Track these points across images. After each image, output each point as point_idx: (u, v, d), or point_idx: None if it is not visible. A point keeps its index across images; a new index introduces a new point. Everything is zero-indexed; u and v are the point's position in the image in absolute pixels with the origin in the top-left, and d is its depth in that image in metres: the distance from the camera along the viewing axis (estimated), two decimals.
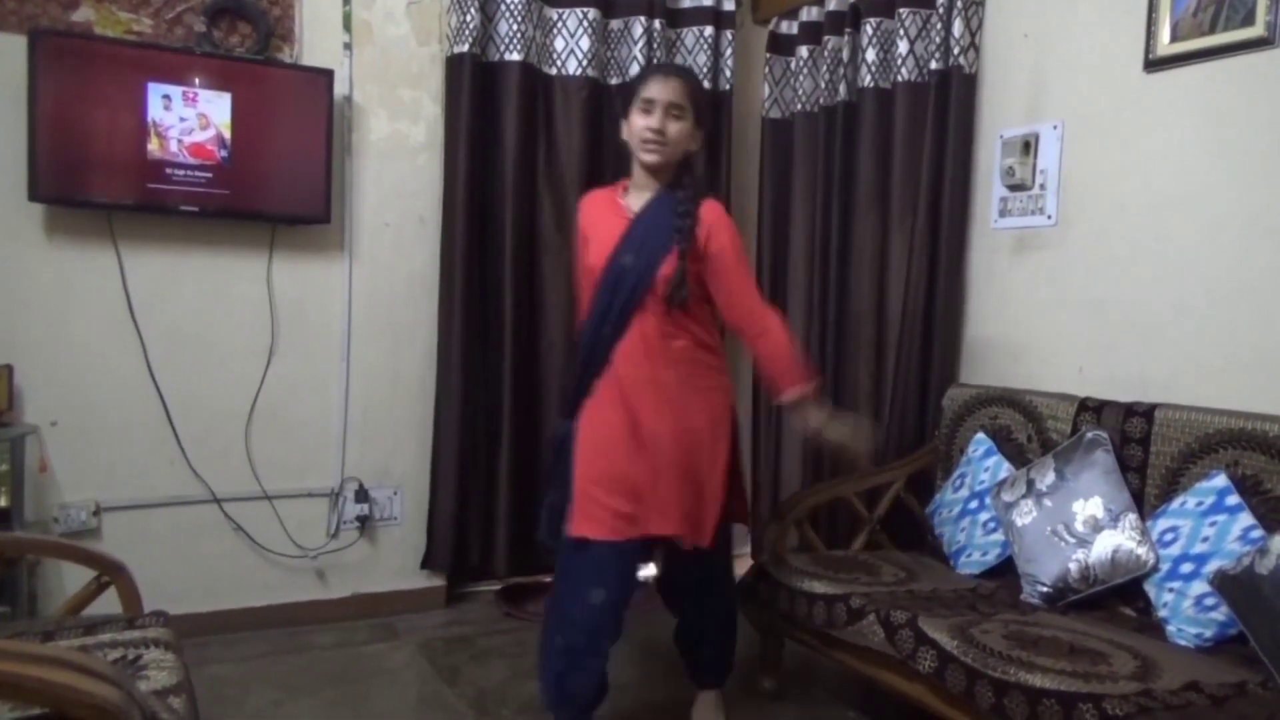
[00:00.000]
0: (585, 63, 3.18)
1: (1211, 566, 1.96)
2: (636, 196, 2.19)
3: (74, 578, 2.52)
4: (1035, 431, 2.56)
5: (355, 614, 3.12)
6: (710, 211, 2.15)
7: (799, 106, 3.41)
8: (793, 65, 3.45)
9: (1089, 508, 2.23)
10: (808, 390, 2.16)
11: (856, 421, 2.23)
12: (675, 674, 2.78)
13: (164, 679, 1.51)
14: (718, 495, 2.19)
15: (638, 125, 2.13)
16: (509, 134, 3.12)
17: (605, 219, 2.20)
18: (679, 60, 3.42)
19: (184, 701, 1.46)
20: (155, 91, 2.69)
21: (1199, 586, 1.99)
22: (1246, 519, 1.99)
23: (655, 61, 3.21)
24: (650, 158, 2.13)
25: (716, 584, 2.38)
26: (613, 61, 3.30)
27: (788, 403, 2.20)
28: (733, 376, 3.61)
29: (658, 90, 2.12)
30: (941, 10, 2.90)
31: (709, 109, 2.34)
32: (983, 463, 2.60)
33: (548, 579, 3.47)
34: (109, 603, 1.89)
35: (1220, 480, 2.07)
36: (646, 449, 2.11)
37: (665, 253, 2.09)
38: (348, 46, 3.05)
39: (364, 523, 3.14)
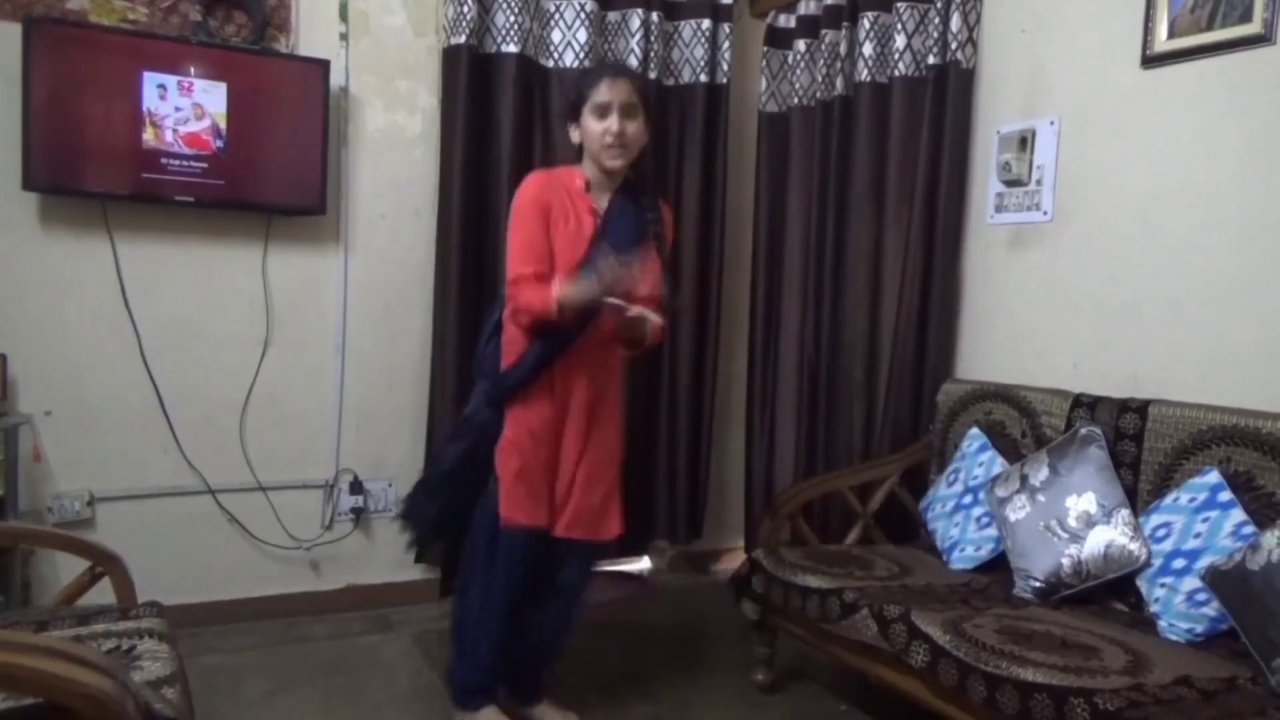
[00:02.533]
0: (582, 55, 3.17)
1: (1203, 562, 1.97)
2: (599, 195, 2.20)
3: (68, 568, 2.52)
4: (1029, 427, 2.56)
5: (349, 605, 3.13)
6: (667, 213, 2.26)
7: (796, 100, 3.40)
8: (790, 59, 3.44)
9: (1082, 503, 2.23)
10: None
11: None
12: (672, 666, 2.79)
13: (158, 669, 1.51)
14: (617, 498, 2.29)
15: (596, 130, 2.12)
16: (505, 126, 3.11)
17: (574, 211, 2.17)
18: (676, 54, 3.42)
19: (178, 692, 1.46)
20: (150, 81, 2.68)
21: (1191, 582, 2.00)
22: (1239, 515, 2.00)
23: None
24: (615, 162, 2.14)
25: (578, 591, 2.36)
26: (610, 54, 3.29)
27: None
28: (728, 375, 3.65)
29: (611, 92, 2.11)
30: (939, 5, 2.90)
31: (651, 102, 2.33)
32: (977, 458, 2.61)
33: None
34: (103, 593, 1.89)
35: (1213, 476, 2.08)
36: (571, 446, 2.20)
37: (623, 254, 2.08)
38: (344, 37, 3.04)
39: (358, 514, 3.14)
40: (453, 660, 2.33)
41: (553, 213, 2.14)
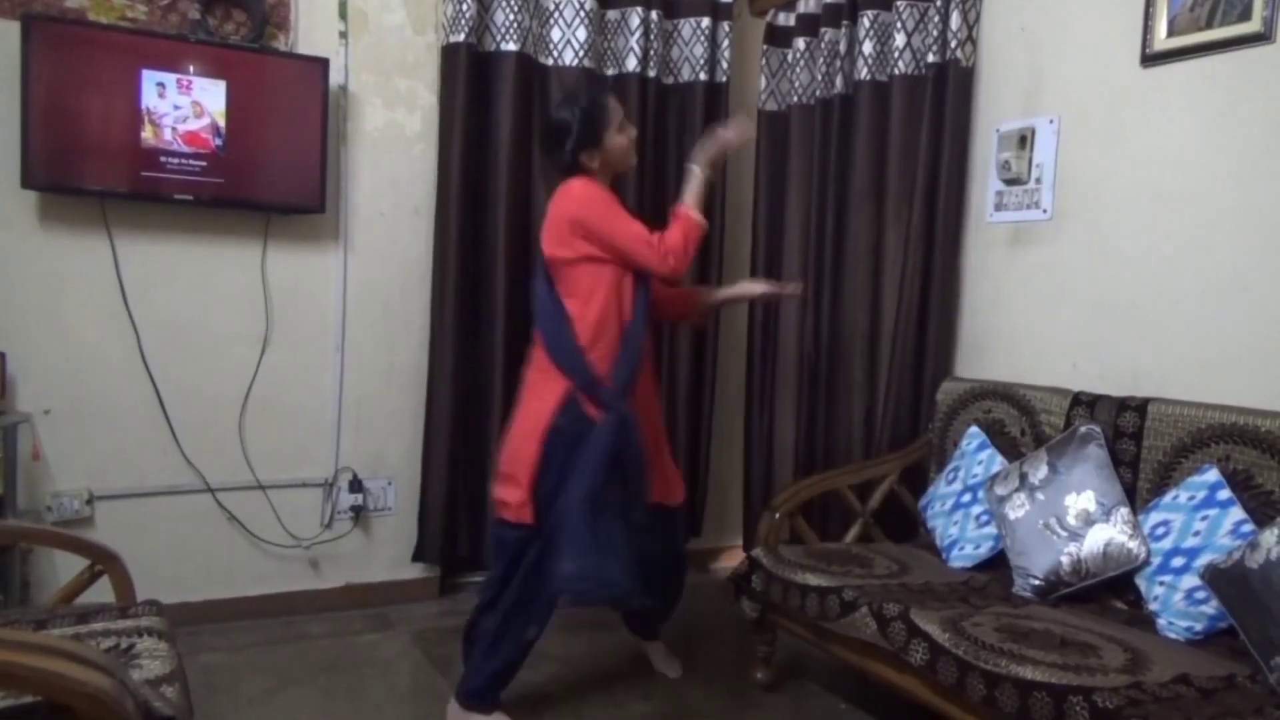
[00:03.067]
0: (582, 53, 3.17)
1: (1202, 560, 1.97)
2: None
3: (67, 566, 2.52)
4: (1029, 425, 2.56)
5: (349, 604, 3.13)
6: None
7: (795, 99, 3.40)
8: (789, 57, 3.44)
9: (1081, 501, 2.23)
10: None
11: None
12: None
13: (157, 668, 1.51)
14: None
15: (624, 143, 2.36)
16: (504, 124, 3.11)
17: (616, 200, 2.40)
18: (675, 53, 3.42)
19: (177, 690, 1.46)
20: (149, 79, 2.68)
21: (1190, 580, 2.00)
22: (1238, 513, 2.00)
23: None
24: (634, 160, 2.47)
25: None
26: (609, 52, 3.29)
27: None
28: (727, 374, 3.65)
29: (620, 109, 2.38)
30: (939, 3, 2.90)
31: None
32: (976, 456, 2.61)
33: None
34: (102, 591, 1.89)
35: (1212, 475, 2.08)
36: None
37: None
38: (343, 35, 3.03)
39: (358, 513, 3.14)
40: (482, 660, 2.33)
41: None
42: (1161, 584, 2.07)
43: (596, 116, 2.30)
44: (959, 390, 2.82)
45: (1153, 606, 2.07)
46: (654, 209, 3.41)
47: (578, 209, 2.27)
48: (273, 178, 2.88)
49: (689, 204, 2.36)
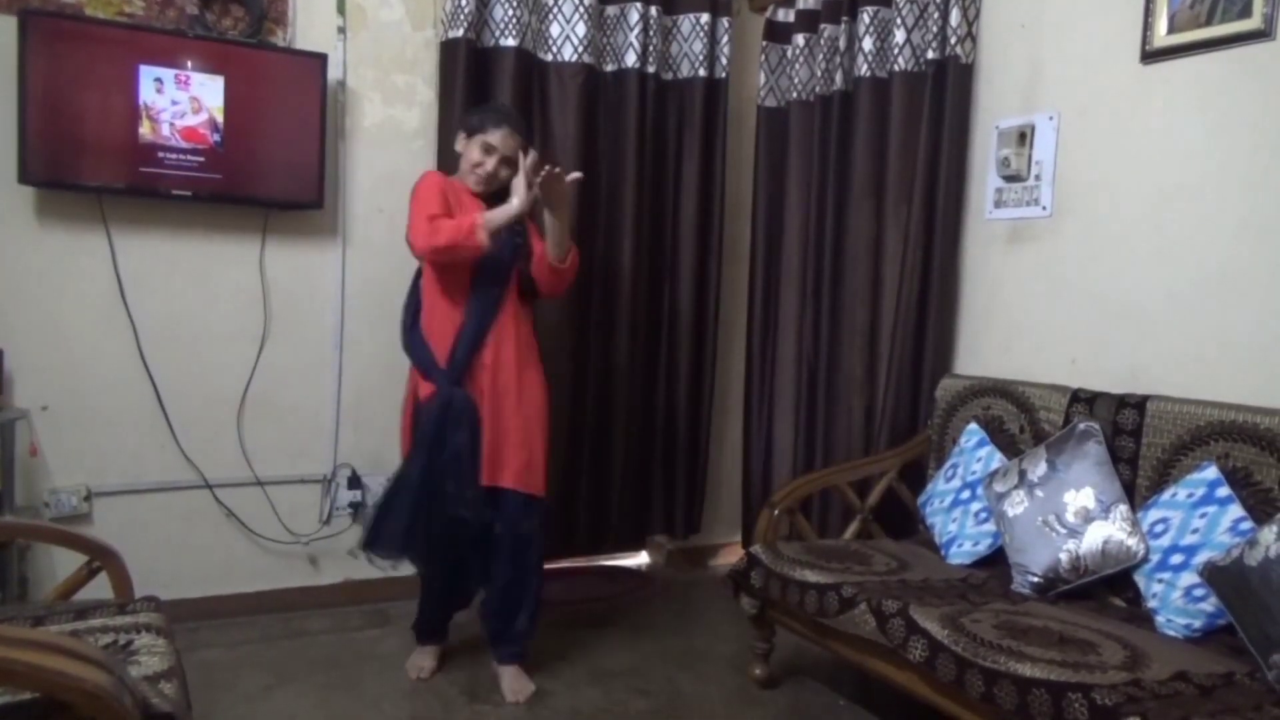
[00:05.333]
0: (581, 49, 3.16)
1: (1201, 558, 1.97)
2: (485, 202, 2.50)
3: (65, 563, 2.52)
4: (1028, 422, 2.56)
5: (348, 600, 3.13)
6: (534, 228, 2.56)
7: (795, 95, 3.40)
8: (789, 53, 3.43)
9: (1080, 499, 2.23)
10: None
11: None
12: (671, 661, 2.79)
13: (155, 664, 1.51)
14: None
15: (473, 159, 2.50)
16: None
17: (469, 207, 2.47)
18: (674, 49, 3.41)
19: (175, 686, 1.46)
20: (147, 74, 2.67)
21: (1188, 578, 2.00)
22: (1236, 511, 2.00)
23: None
24: (478, 188, 2.53)
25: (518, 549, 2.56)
26: (609, 48, 3.29)
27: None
28: (726, 370, 3.65)
29: (500, 141, 2.49)
30: (938, 0, 2.89)
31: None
32: (975, 453, 2.61)
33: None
34: (100, 588, 1.88)
35: (1211, 472, 2.08)
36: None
37: (517, 243, 2.52)
38: (342, 30, 3.03)
39: (356, 509, 3.14)
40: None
41: (453, 205, 2.45)
42: (1160, 581, 2.07)
43: (478, 117, 2.55)
44: (958, 387, 2.82)
45: (1151, 604, 2.07)
46: (652, 206, 3.41)
47: (412, 195, 2.48)
48: (271, 173, 2.87)
49: (486, 217, 2.38)
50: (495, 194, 2.53)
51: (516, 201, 2.41)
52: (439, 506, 2.42)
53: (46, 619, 1.70)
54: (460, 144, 2.55)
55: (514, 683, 2.53)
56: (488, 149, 2.49)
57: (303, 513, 3.09)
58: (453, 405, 2.44)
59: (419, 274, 2.58)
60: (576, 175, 2.54)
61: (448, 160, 3.05)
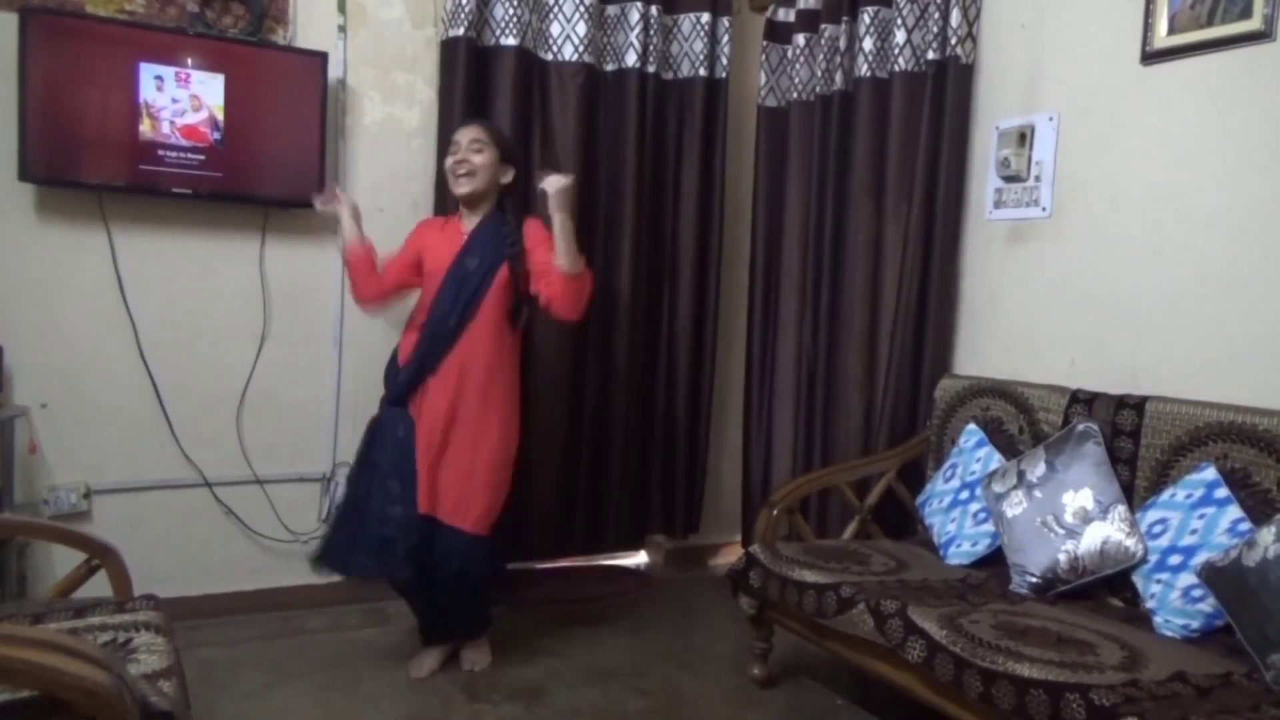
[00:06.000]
0: (581, 48, 3.16)
1: (1199, 558, 1.98)
2: (469, 220, 2.59)
3: (64, 560, 2.52)
4: (1026, 423, 2.57)
5: (346, 599, 3.12)
6: (535, 227, 2.56)
7: (795, 95, 3.40)
8: (789, 53, 3.43)
9: (1079, 499, 2.24)
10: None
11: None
12: (669, 660, 2.79)
13: (154, 662, 1.51)
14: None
15: (448, 164, 2.56)
16: (504, 120, 3.09)
17: (442, 239, 2.58)
18: (675, 48, 3.41)
19: (174, 685, 1.46)
20: (147, 72, 2.67)
21: (1186, 578, 2.00)
22: (1235, 512, 2.00)
23: (655, 44, 3.29)
24: (462, 188, 2.53)
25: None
26: (609, 47, 3.29)
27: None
28: (725, 369, 3.65)
29: (460, 134, 2.56)
30: (939, 0, 2.89)
31: (516, 150, 2.76)
32: (974, 453, 2.61)
33: (540, 565, 3.49)
34: (99, 586, 1.88)
35: (1210, 473, 2.08)
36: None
37: (499, 263, 2.49)
38: (342, 29, 3.03)
39: None
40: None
41: (424, 238, 2.63)
42: (1159, 582, 2.07)
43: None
44: (957, 387, 2.82)
45: (1150, 604, 2.07)
46: (652, 205, 3.41)
47: None
48: (271, 172, 2.87)
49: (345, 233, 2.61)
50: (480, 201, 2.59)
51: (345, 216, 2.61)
52: (371, 526, 2.46)
53: (45, 617, 1.70)
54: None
55: (471, 654, 2.66)
56: (453, 149, 2.56)
57: (302, 511, 3.09)
58: (382, 422, 2.54)
59: None
60: (569, 177, 2.49)
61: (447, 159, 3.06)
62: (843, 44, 3.17)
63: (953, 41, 2.87)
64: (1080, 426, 2.33)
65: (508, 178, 2.59)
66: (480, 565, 2.53)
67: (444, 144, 3.06)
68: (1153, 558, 2.11)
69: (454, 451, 2.49)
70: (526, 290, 2.52)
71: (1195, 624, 1.97)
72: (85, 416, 2.78)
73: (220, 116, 2.76)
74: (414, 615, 2.71)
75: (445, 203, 3.06)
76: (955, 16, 2.85)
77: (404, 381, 2.52)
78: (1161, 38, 2.41)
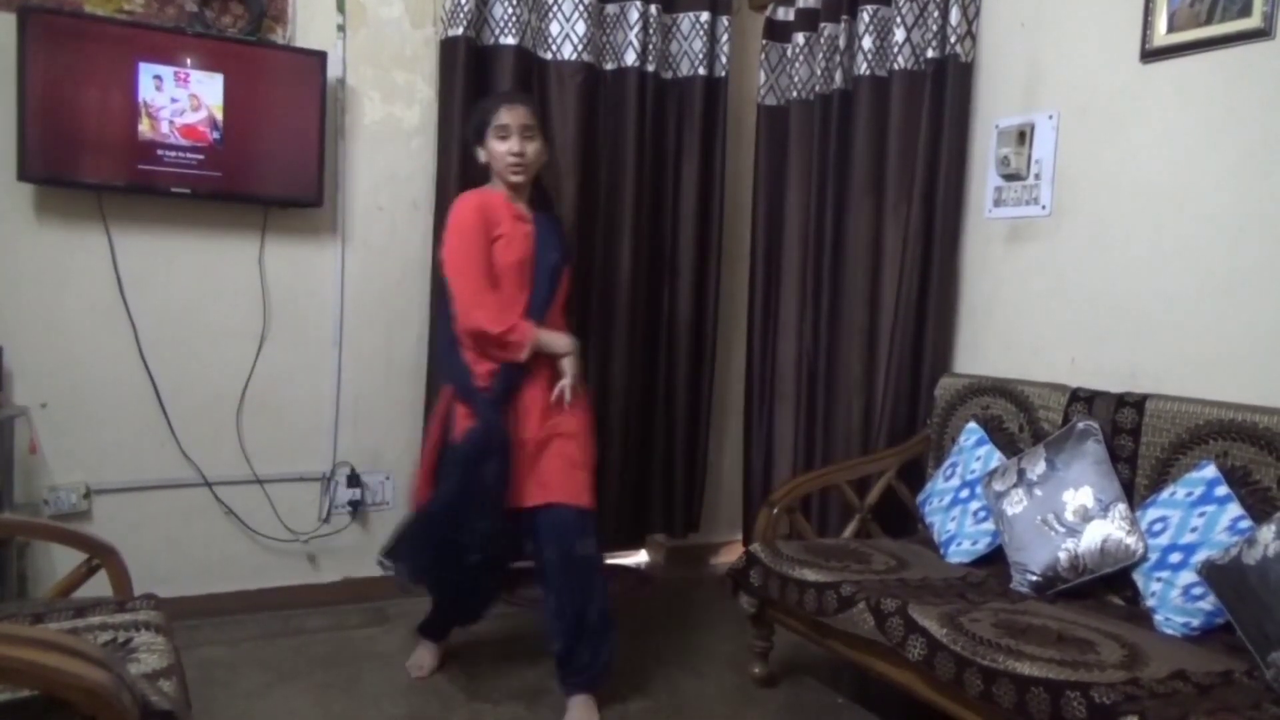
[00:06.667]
0: (581, 48, 3.16)
1: (1200, 556, 1.97)
2: (519, 204, 2.44)
3: (64, 560, 2.51)
4: (1027, 421, 2.57)
5: (347, 598, 3.13)
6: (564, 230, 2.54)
7: (795, 94, 3.40)
8: (789, 52, 3.43)
9: (1079, 497, 2.24)
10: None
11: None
12: (670, 659, 2.79)
13: (154, 662, 1.51)
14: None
15: (499, 150, 2.38)
16: None
17: (512, 221, 2.39)
18: (674, 47, 3.41)
19: (174, 684, 1.46)
20: (146, 72, 2.67)
21: (1187, 576, 2.00)
22: (1235, 510, 2.00)
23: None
24: (517, 178, 2.40)
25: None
26: (608, 47, 3.28)
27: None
28: (725, 368, 3.65)
29: (510, 116, 2.37)
30: None
31: (549, 129, 2.65)
32: (974, 452, 2.61)
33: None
34: (99, 585, 1.88)
35: (1210, 471, 2.08)
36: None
37: (565, 261, 2.48)
38: (341, 28, 3.03)
39: (356, 507, 3.14)
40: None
41: (490, 228, 2.35)
42: (1159, 580, 2.07)
43: (481, 116, 2.43)
44: (957, 386, 2.82)
45: (1150, 602, 2.07)
46: (652, 204, 3.41)
47: (447, 229, 2.38)
48: (270, 171, 2.87)
49: (542, 336, 2.33)
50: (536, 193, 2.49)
51: (564, 347, 2.36)
52: (460, 543, 2.32)
53: (46, 616, 1.70)
54: (480, 155, 2.45)
55: (581, 714, 2.35)
56: (503, 133, 2.37)
57: (302, 511, 3.09)
58: (490, 437, 2.30)
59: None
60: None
61: (447, 159, 3.06)
62: (842, 43, 3.17)
63: (952, 40, 2.87)
64: (1080, 425, 2.33)
65: (545, 158, 2.50)
66: (595, 546, 2.40)
67: (444, 143, 3.08)
68: (1153, 556, 2.11)
69: (558, 439, 2.36)
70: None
71: (1195, 622, 1.97)
72: (85, 416, 2.78)
73: (219, 116, 2.76)
74: (433, 615, 2.64)
75: (445, 202, 3.06)
76: (955, 15, 2.85)
77: (502, 389, 2.33)
78: (1161, 36, 2.41)
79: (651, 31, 3.29)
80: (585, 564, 2.35)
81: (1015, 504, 2.33)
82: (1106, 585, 2.21)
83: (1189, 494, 2.10)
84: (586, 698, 2.37)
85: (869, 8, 3.06)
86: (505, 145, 2.37)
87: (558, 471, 2.35)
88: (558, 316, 2.47)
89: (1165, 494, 2.15)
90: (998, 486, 2.40)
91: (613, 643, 2.39)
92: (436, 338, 2.46)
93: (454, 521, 2.32)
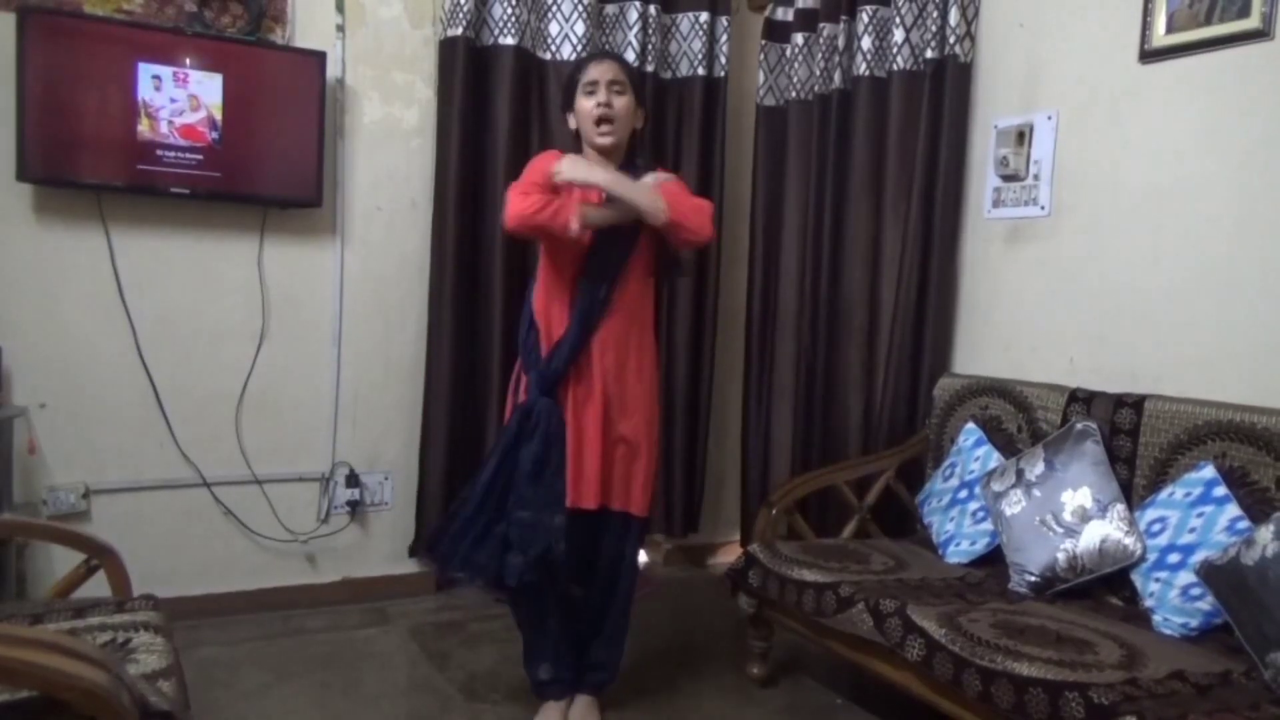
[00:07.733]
0: (580, 48, 3.16)
1: (1198, 557, 1.98)
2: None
3: (63, 561, 2.52)
4: (1025, 422, 2.57)
5: (346, 598, 3.13)
6: (678, 182, 2.28)
7: (794, 94, 3.40)
8: (788, 52, 3.43)
9: (1078, 498, 2.24)
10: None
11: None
12: (669, 659, 2.79)
13: (153, 662, 1.51)
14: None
15: (586, 107, 2.20)
16: (502, 119, 3.10)
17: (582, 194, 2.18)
18: (673, 47, 3.41)
19: (173, 684, 1.46)
20: (145, 72, 2.67)
21: (1185, 577, 2.01)
22: (1233, 510, 2.00)
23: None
24: (604, 140, 2.20)
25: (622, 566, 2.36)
26: (608, 47, 3.28)
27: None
28: (724, 368, 3.65)
29: (597, 72, 2.20)
30: None
31: (645, 90, 2.39)
32: (973, 452, 2.61)
33: None
34: (98, 586, 1.88)
35: (1208, 471, 2.08)
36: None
37: (629, 248, 2.21)
38: (340, 28, 3.03)
39: (355, 507, 3.14)
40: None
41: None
42: (1157, 580, 2.07)
43: (571, 78, 2.26)
44: (956, 386, 2.82)
45: (1148, 603, 2.08)
46: None
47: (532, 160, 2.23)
48: (269, 171, 2.87)
49: (585, 209, 2.09)
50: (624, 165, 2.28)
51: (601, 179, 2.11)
52: (505, 528, 2.15)
53: (45, 617, 1.70)
54: (571, 121, 2.27)
55: (583, 713, 2.32)
56: (591, 88, 2.19)
57: (301, 511, 3.09)
58: (531, 415, 2.16)
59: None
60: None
61: (445, 159, 3.06)
62: (841, 43, 3.17)
63: (951, 40, 2.87)
64: (1079, 425, 2.33)
65: (640, 121, 2.30)
66: (636, 553, 2.32)
67: (443, 143, 3.08)
68: (1151, 556, 2.11)
69: (619, 433, 2.23)
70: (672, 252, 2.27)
71: (1194, 622, 1.97)
72: (84, 416, 2.78)
73: (218, 116, 2.76)
74: (534, 653, 2.36)
75: (444, 202, 3.07)
76: (954, 15, 2.85)
77: (556, 369, 2.18)
78: (1160, 36, 2.41)
79: (651, 32, 3.29)
80: (623, 567, 2.34)
81: (1014, 504, 2.33)
82: (1105, 586, 2.21)
83: (1187, 494, 2.10)
84: (591, 699, 2.37)
85: (868, 8, 3.06)
86: (591, 100, 2.18)
87: (619, 478, 2.25)
88: (638, 285, 2.24)
89: (1164, 494, 2.15)
90: (996, 487, 2.40)
91: (623, 648, 2.38)
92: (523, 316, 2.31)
93: (490, 509, 2.17)
